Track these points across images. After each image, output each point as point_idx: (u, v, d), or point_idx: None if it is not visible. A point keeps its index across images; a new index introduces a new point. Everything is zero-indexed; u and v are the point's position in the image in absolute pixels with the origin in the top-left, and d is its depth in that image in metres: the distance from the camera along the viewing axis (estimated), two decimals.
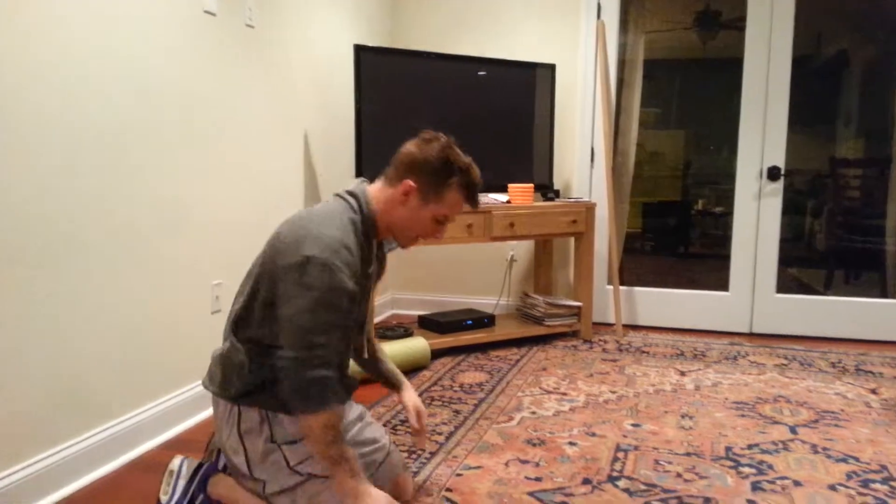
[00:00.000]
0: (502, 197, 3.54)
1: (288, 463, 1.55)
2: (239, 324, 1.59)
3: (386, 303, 4.32)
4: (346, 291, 1.48)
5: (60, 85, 1.88)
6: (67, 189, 1.92)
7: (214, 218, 2.58)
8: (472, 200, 1.68)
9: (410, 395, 1.89)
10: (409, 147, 1.65)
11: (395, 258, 4.40)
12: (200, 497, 1.58)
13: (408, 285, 4.40)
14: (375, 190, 1.66)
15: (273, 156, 2.95)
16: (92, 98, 1.99)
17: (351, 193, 1.63)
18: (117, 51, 2.07)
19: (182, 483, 1.58)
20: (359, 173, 3.23)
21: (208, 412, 2.56)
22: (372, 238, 1.63)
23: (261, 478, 1.56)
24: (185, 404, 2.44)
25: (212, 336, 2.59)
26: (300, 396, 1.44)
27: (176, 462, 1.63)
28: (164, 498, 1.59)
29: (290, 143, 3.10)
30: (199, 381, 2.53)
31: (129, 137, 2.14)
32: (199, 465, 1.62)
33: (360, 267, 1.55)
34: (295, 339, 1.46)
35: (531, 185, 3.52)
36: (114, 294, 2.11)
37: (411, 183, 1.61)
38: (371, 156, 3.25)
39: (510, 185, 3.50)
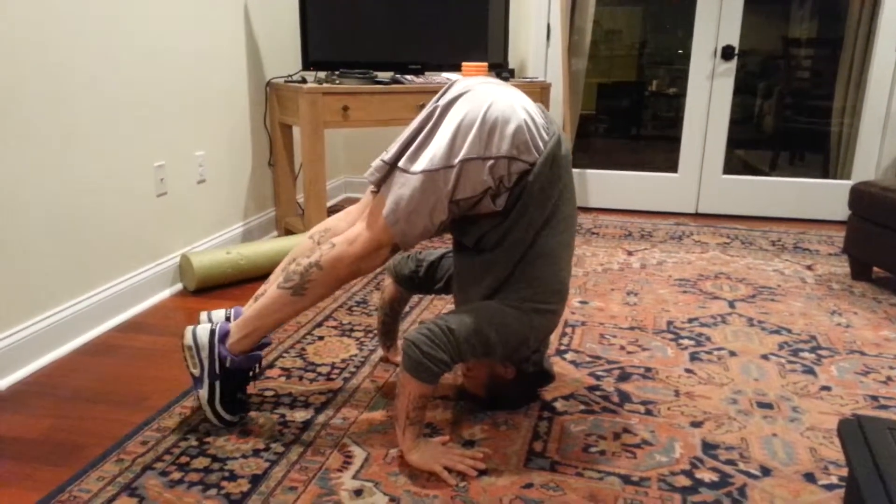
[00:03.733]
0: (456, 76, 3.43)
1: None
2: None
3: (339, 186, 4.26)
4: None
5: None
6: None
7: (154, 97, 2.44)
8: None
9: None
10: None
11: (345, 139, 4.30)
12: (229, 358, 1.62)
13: (360, 168, 4.33)
14: None
15: (212, 31, 2.78)
16: None
17: None
18: None
19: (205, 353, 1.62)
20: (304, 51, 3.08)
21: (158, 297, 2.54)
22: None
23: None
24: (134, 289, 2.41)
25: (157, 220, 2.52)
26: (420, 365, 1.46)
27: (188, 336, 1.64)
28: (195, 371, 1.64)
29: (230, 17, 2.91)
30: (146, 267, 2.48)
31: (60, 18, 1.97)
32: (212, 332, 1.64)
33: None
34: (476, 321, 1.50)
35: (485, 63, 3.41)
36: (54, 178, 2.01)
37: None
38: (316, 34, 3.09)
39: (464, 64, 3.37)
